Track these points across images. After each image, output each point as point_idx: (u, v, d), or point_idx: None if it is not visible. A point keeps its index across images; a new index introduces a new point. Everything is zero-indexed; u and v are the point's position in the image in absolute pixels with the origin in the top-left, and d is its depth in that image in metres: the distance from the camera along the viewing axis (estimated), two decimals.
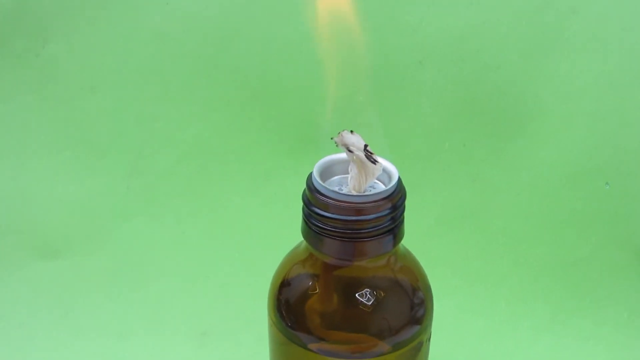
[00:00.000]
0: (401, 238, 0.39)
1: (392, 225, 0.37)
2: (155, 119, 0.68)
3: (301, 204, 0.38)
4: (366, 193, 0.37)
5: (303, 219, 0.38)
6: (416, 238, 0.45)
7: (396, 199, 0.37)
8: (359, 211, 0.36)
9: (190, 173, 0.68)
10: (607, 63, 0.63)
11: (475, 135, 0.65)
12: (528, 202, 0.64)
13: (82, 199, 0.68)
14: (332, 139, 0.37)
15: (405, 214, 0.39)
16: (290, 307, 0.40)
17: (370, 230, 0.36)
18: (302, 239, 0.40)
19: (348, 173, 0.39)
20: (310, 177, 0.38)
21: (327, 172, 0.39)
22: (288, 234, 0.43)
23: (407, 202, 0.38)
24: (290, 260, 0.41)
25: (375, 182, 0.39)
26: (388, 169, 0.39)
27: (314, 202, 0.37)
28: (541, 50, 0.64)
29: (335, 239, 0.37)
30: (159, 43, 0.67)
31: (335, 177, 0.40)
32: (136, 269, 0.65)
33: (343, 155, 0.39)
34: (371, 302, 0.38)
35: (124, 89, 0.68)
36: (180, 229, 0.67)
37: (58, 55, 0.68)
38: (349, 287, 0.39)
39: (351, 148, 0.37)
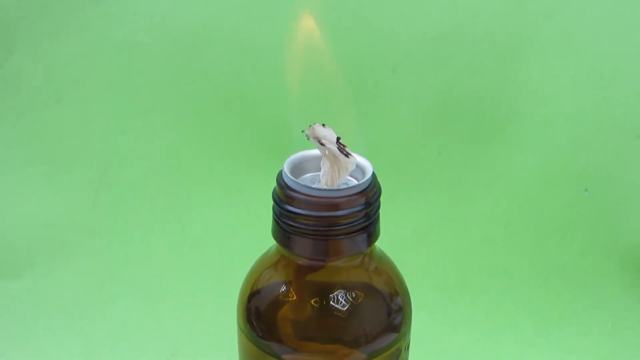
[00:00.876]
0: (376, 237, 0.37)
1: (367, 223, 0.35)
2: (123, 130, 0.66)
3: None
4: (339, 187, 0.35)
5: (274, 218, 0.36)
6: (392, 248, 0.43)
7: (371, 194, 0.35)
8: (331, 206, 0.34)
9: (159, 186, 0.66)
10: (583, 66, 0.62)
11: (451, 142, 0.63)
12: (507, 209, 0.63)
13: (45, 215, 0.65)
14: (302, 131, 0.35)
15: (380, 224, 0.37)
16: (261, 316, 0.38)
17: (344, 227, 0.35)
18: (272, 244, 0.38)
19: (320, 170, 0.37)
20: (280, 173, 0.36)
21: (298, 169, 0.37)
22: (261, 248, 0.41)
23: (381, 212, 0.37)
24: (261, 266, 0.39)
25: (348, 179, 0.37)
26: (362, 164, 0.37)
27: (285, 199, 0.35)
28: (516, 55, 0.63)
29: (307, 237, 0.35)
30: (127, 53, 0.65)
31: (308, 175, 0.38)
32: (102, 288, 0.63)
33: (315, 151, 0.38)
34: (346, 307, 0.36)
35: (90, 100, 0.66)
36: (147, 244, 0.65)
37: (22, 67, 0.66)
38: (323, 292, 0.36)
39: (323, 141, 0.35)
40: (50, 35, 0.66)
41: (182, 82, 0.65)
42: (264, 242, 0.41)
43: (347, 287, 0.36)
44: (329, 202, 0.34)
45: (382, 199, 0.37)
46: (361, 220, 0.35)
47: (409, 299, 0.39)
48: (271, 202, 0.39)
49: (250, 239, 0.62)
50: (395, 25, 0.63)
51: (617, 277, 0.61)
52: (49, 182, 0.66)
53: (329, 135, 0.35)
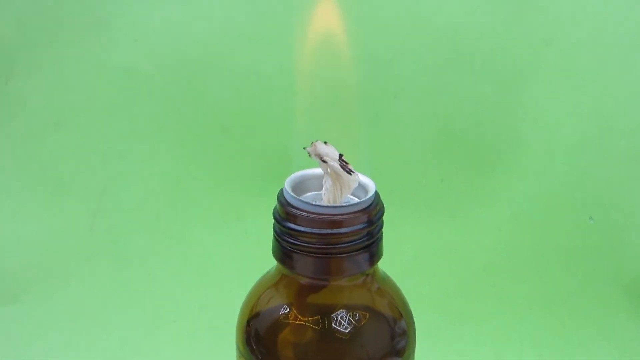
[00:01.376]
0: (379, 257, 0.36)
1: (370, 241, 0.35)
2: (122, 155, 0.65)
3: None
4: (341, 204, 0.34)
5: (274, 237, 0.36)
6: (394, 275, 0.42)
7: (373, 212, 0.35)
8: (333, 224, 0.33)
9: (157, 211, 0.65)
10: (585, 94, 0.62)
11: (453, 169, 0.63)
12: (510, 237, 0.62)
13: (42, 239, 0.65)
14: (304, 148, 0.35)
15: (383, 250, 0.36)
16: (260, 338, 0.37)
17: (346, 245, 0.34)
18: (272, 266, 0.37)
19: (322, 192, 0.36)
20: (281, 191, 0.36)
21: (299, 187, 0.37)
22: (260, 274, 0.40)
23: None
24: (260, 287, 0.38)
25: (350, 198, 0.37)
26: (365, 183, 0.36)
27: (286, 217, 0.34)
28: (518, 83, 0.63)
29: (309, 255, 0.34)
30: (126, 78, 0.65)
31: (309, 194, 0.37)
32: (99, 313, 0.61)
33: (316, 170, 0.37)
34: (349, 329, 0.35)
35: (89, 126, 0.66)
36: (145, 269, 0.64)
37: (22, 92, 0.66)
38: (325, 313, 0.35)
39: (325, 158, 0.35)
40: (50, 61, 0.66)
41: (182, 108, 0.65)
42: (264, 267, 0.40)
43: (350, 309, 0.35)
44: (330, 219, 0.33)
45: (384, 225, 0.37)
46: (364, 239, 0.34)
47: (413, 323, 0.38)
48: (270, 229, 0.38)
49: (249, 265, 0.61)
50: (396, 53, 0.63)
51: (622, 305, 0.60)
52: (47, 206, 0.65)
53: (331, 152, 0.35)
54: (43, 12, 0.66)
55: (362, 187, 0.36)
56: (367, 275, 0.36)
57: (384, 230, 0.36)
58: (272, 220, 0.37)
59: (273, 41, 0.64)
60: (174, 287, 0.63)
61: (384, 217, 0.36)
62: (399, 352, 0.37)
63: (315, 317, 0.35)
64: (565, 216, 0.62)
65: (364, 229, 0.34)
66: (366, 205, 0.34)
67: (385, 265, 0.37)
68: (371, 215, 0.34)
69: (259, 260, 0.55)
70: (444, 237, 0.63)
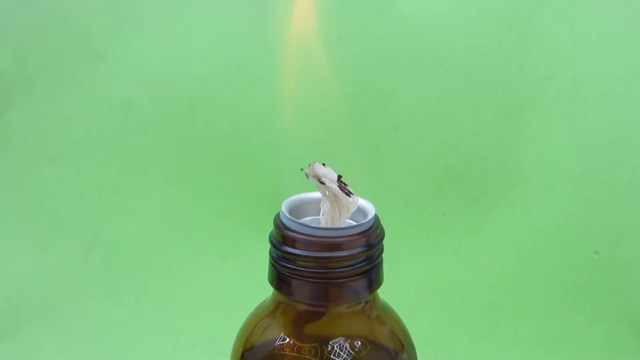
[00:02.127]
0: (380, 283, 0.35)
1: (369, 266, 0.33)
2: (117, 190, 0.64)
3: None
4: (340, 227, 0.33)
5: (270, 263, 0.34)
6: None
7: (373, 235, 0.33)
8: (331, 247, 0.32)
9: (152, 247, 0.63)
10: (588, 127, 0.61)
11: (455, 204, 0.62)
12: (514, 273, 0.60)
13: (34, 275, 0.63)
14: (302, 170, 0.34)
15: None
16: None
17: (345, 270, 0.32)
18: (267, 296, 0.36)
19: (320, 215, 0.35)
20: (278, 214, 0.34)
21: (297, 212, 0.35)
22: None
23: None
24: (256, 316, 0.37)
25: (349, 222, 0.35)
26: (364, 207, 0.35)
27: (282, 240, 0.33)
28: (519, 116, 0.62)
29: (307, 280, 0.32)
30: (123, 112, 0.64)
31: (307, 218, 0.36)
32: (90, 352, 0.59)
33: (314, 194, 0.36)
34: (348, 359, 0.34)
35: (85, 159, 0.65)
36: (139, 307, 0.62)
37: (17, 125, 0.65)
38: (323, 342, 0.34)
39: (323, 179, 0.33)
40: (46, 95, 0.65)
41: (179, 142, 0.64)
42: None
43: (349, 337, 0.34)
44: (328, 242, 0.32)
45: (384, 261, 0.36)
46: (363, 263, 0.33)
47: (415, 354, 0.37)
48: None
49: (245, 302, 0.59)
50: (396, 86, 0.63)
51: (631, 343, 0.58)
52: (40, 242, 0.64)
53: (329, 173, 0.34)
54: (40, 45, 0.65)
55: (361, 211, 0.35)
56: (367, 302, 0.35)
57: (384, 263, 0.35)
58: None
59: (271, 76, 0.64)
60: (168, 325, 0.61)
61: (385, 247, 0.35)
62: None
63: (313, 346, 0.33)
64: (570, 251, 0.60)
65: (363, 253, 0.33)
66: (366, 228, 0.33)
67: (386, 300, 0.36)
68: (371, 238, 0.33)
69: (256, 296, 0.54)
70: (446, 273, 0.61)
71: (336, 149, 0.39)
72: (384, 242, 0.35)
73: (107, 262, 0.63)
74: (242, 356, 0.36)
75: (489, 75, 0.63)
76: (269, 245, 0.36)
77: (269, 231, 0.36)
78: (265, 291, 0.38)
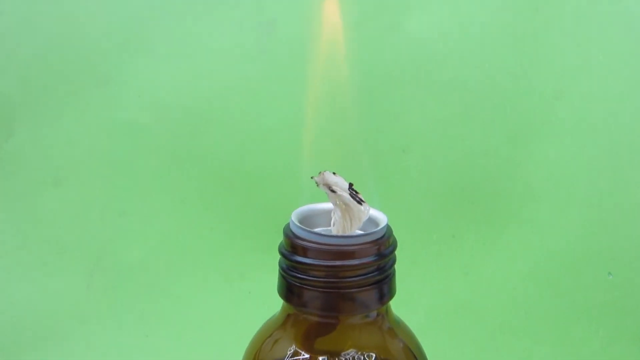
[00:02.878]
0: (392, 295, 0.34)
1: (381, 276, 0.32)
2: (122, 213, 0.63)
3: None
4: (351, 235, 0.32)
5: (280, 274, 0.33)
6: None
7: (385, 245, 0.32)
8: (342, 255, 0.31)
9: (156, 270, 0.62)
10: (597, 147, 0.61)
11: (465, 224, 0.61)
12: (526, 294, 0.59)
13: (36, 299, 0.62)
14: (312, 178, 0.33)
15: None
16: None
17: (357, 279, 0.31)
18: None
19: (331, 225, 0.34)
20: (287, 225, 0.34)
21: (307, 222, 0.35)
22: None
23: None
24: (265, 330, 0.36)
25: (360, 232, 0.34)
26: (375, 217, 0.34)
27: (293, 249, 0.32)
28: (528, 136, 0.61)
29: (318, 290, 0.32)
30: (128, 134, 0.64)
31: (317, 229, 0.35)
32: None
33: (325, 205, 0.35)
34: None
35: (90, 182, 0.64)
36: (143, 331, 0.61)
37: (22, 149, 0.65)
38: (335, 356, 0.33)
39: (334, 188, 0.33)
40: (52, 117, 0.65)
41: (184, 164, 0.64)
42: None
43: (361, 351, 0.33)
44: (339, 250, 0.31)
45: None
46: (375, 273, 0.32)
47: None
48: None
49: (252, 326, 0.58)
50: (405, 107, 0.62)
51: None
52: (43, 265, 0.63)
53: (340, 182, 0.33)
54: (45, 69, 0.65)
55: (373, 222, 0.34)
56: (379, 314, 0.34)
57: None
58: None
59: (277, 96, 0.63)
60: (172, 349, 0.60)
61: (395, 267, 0.34)
62: None
63: (324, 357, 0.32)
64: (583, 272, 0.59)
65: (374, 262, 0.32)
66: (378, 236, 0.32)
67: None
68: (382, 247, 0.32)
69: (263, 319, 0.53)
70: (456, 293, 0.60)
71: (346, 169, 0.38)
72: (396, 263, 0.34)
73: (111, 285, 0.62)
74: None
75: (497, 96, 0.62)
76: (276, 268, 0.35)
77: (276, 254, 0.35)
78: (272, 313, 0.37)
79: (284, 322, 0.34)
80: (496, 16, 0.63)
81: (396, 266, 0.34)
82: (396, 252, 0.34)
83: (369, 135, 0.62)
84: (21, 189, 0.64)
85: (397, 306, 0.37)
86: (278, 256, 0.35)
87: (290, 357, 0.33)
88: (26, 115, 0.65)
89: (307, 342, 0.33)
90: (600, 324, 0.58)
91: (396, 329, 0.35)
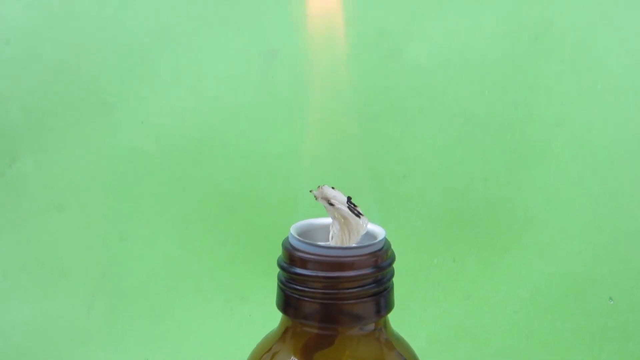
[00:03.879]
0: (391, 308, 0.34)
1: (379, 289, 0.32)
2: (124, 237, 0.64)
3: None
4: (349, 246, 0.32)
5: (278, 287, 0.34)
6: None
7: (383, 257, 0.33)
8: (340, 266, 0.31)
9: (157, 294, 0.62)
10: (597, 174, 0.61)
11: (466, 249, 0.61)
12: (528, 319, 0.59)
13: (37, 322, 0.62)
14: (310, 191, 0.33)
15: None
16: None
17: (355, 290, 0.32)
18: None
19: (329, 239, 0.34)
20: (286, 238, 0.34)
21: (305, 237, 0.35)
22: None
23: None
24: (264, 344, 0.36)
25: None
26: (373, 231, 0.35)
27: (291, 261, 0.32)
28: (529, 162, 0.62)
29: (316, 301, 0.32)
30: (131, 160, 0.65)
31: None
32: None
33: (323, 220, 0.36)
34: None
35: (92, 207, 0.64)
36: (143, 354, 0.60)
37: (25, 174, 0.65)
38: None
39: (332, 201, 0.33)
40: (55, 144, 0.65)
41: (186, 189, 0.64)
42: None
43: None
44: (337, 262, 0.31)
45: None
46: (372, 285, 0.32)
47: None
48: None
49: (252, 348, 0.58)
50: (405, 133, 0.63)
51: None
52: (44, 288, 0.63)
53: (338, 195, 0.33)
54: (49, 95, 0.66)
55: (371, 236, 0.34)
56: (378, 328, 0.34)
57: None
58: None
59: (278, 123, 0.64)
60: None
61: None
62: None
63: None
64: (584, 297, 0.59)
65: (372, 274, 0.32)
66: (376, 248, 0.33)
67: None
68: (380, 260, 0.32)
69: None
70: (457, 318, 0.59)
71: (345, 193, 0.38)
72: (395, 288, 0.35)
73: (112, 308, 0.62)
74: None
75: (497, 123, 0.63)
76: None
77: (276, 277, 0.35)
78: None
79: (283, 335, 0.34)
80: (496, 44, 0.64)
81: (397, 289, 0.34)
82: (396, 275, 0.34)
83: (370, 160, 0.63)
84: (24, 213, 0.65)
85: (399, 330, 0.37)
86: (276, 279, 0.35)
87: None
88: (30, 141, 0.66)
89: (306, 354, 0.33)
90: (602, 349, 0.58)
91: (395, 343, 0.35)
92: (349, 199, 0.33)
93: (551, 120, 0.63)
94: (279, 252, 0.34)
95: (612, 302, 0.58)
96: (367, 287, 0.32)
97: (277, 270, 0.34)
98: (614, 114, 0.62)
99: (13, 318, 0.62)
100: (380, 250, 0.33)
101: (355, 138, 0.62)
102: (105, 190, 0.65)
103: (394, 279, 0.34)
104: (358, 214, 0.33)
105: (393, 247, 0.58)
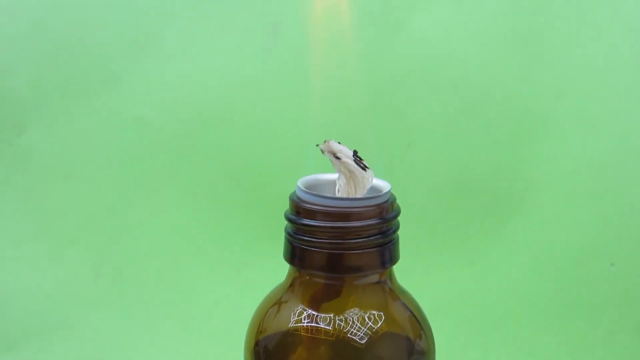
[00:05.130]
0: (396, 260, 0.35)
1: (384, 240, 0.33)
2: (130, 205, 0.64)
3: None
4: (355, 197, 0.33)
5: (286, 240, 0.34)
6: None
7: (388, 209, 0.33)
8: (346, 216, 0.32)
9: (165, 261, 0.63)
10: (599, 143, 0.62)
11: (469, 217, 0.61)
12: (530, 285, 0.60)
13: (45, 289, 0.63)
14: (317, 145, 0.34)
15: None
16: (272, 354, 0.35)
17: (360, 241, 0.32)
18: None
19: (335, 194, 0.35)
20: (293, 192, 0.35)
21: (312, 190, 0.35)
22: None
23: None
24: (271, 296, 0.37)
25: None
26: (379, 185, 0.35)
27: (299, 212, 0.33)
28: (531, 133, 0.62)
29: (323, 251, 0.32)
30: (137, 129, 0.65)
31: None
32: None
33: (329, 175, 0.36)
34: (364, 335, 0.33)
35: (99, 177, 0.65)
36: (150, 320, 0.61)
37: (33, 144, 0.66)
38: (340, 316, 0.33)
39: (339, 155, 0.34)
40: (62, 114, 0.66)
41: (192, 159, 0.65)
42: None
43: (365, 312, 0.33)
44: (344, 212, 0.32)
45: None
46: (378, 236, 0.33)
47: (432, 335, 0.36)
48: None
49: None
50: (409, 103, 0.63)
51: None
52: (52, 256, 0.64)
53: (344, 149, 0.34)
54: (56, 67, 0.67)
55: (376, 190, 0.35)
56: (384, 279, 0.34)
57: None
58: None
59: (283, 94, 0.65)
60: (180, 338, 0.60)
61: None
62: None
63: (330, 320, 0.33)
64: (585, 263, 0.59)
65: (378, 225, 0.33)
66: (381, 200, 0.33)
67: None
68: (386, 211, 0.33)
69: None
70: (461, 284, 0.60)
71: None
72: (400, 255, 0.35)
73: (119, 276, 0.63)
74: (259, 334, 0.35)
75: (500, 94, 0.63)
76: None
77: (281, 244, 0.36)
78: None
79: (290, 286, 0.35)
80: (499, 16, 0.64)
81: (401, 256, 0.35)
82: (400, 242, 0.35)
83: (374, 129, 0.63)
84: (32, 182, 0.65)
85: None
86: (282, 247, 0.36)
87: (297, 317, 0.33)
88: (37, 112, 0.66)
89: (313, 303, 0.34)
90: (604, 315, 0.58)
91: (400, 295, 0.36)
92: (355, 152, 0.34)
93: (553, 90, 0.63)
94: (283, 220, 0.35)
95: (614, 268, 0.59)
96: (372, 237, 0.33)
97: (282, 239, 0.35)
98: (616, 84, 0.63)
99: (22, 285, 0.63)
100: (385, 202, 0.33)
101: (359, 107, 0.62)
102: (112, 160, 0.66)
103: (400, 236, 0.35)
104: (364, 167, 0.34)
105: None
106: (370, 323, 0.33)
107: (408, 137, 0.63)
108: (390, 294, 0.35)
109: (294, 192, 0.35)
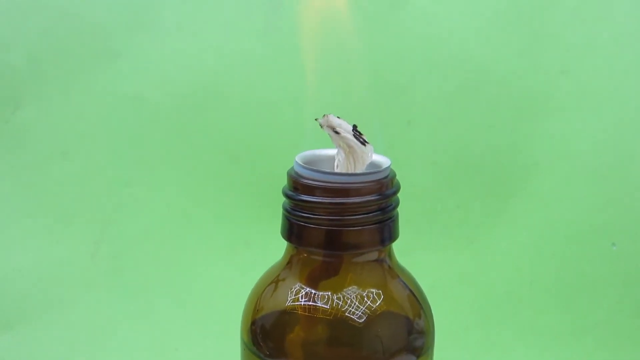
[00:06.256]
0: (395, 237, 0.34)
1: (383, 216, 0.32)
2: (128, 184, 0.64)
3: None
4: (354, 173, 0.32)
5: (283, 217, 0.34)
6: None
7: (388, 185, 0.33)
8: (345, 192, 0.31)
9: (162, 239, 0.63)
10: (602, 121, 0.61)
11: (470, 195, 0.61)
12: (531, 265, 0.59)
13: (41, 267, 0.62)
14: (316, 119, 0.33)
15: None
16: (269, 332, 0.34)
17: (359, 217, 0.32)
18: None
19: (334, 169, 0.34)
20: (291, 167, 0.34)
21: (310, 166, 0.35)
22: None
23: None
24: (269, 274, 0.36)
25: None
26: (379, 161, 0.34)
27: (296, 188, 0.32)
28: (533, 110, 0.61)
29: (321, 228, 0.32)
30: (135, 107, 0.64)
31: None
32: (97, 342, 0.58)
33: (328, 151, 0.35)
34: (363, 319, 0.32)
35: (97, 154, 0.64)
36: (148, 299, 0.61)
37: (30, 120, 0.65)
38: (338, 293, 0.33)
39: (338, 129, 0.33)
40: (59, 91, 0.65)
41: (190, 137, 0.64)
42: None
43: (363, 290, 0.33)
44: (343, 188, 0.31)
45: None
46: (377, 213, 0.32)
47: (431, 313, 0.36)
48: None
49: None
50: (410, 80, 0.62)
51: None
52: (49, 234, 0.63)
53: (343, 124, 0.33)
54: (53, 43, 0.66)
55: (376, 166, 0.34)
56: (382, 256, 0.34)
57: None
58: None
59: (282, 71, 0.64)
60: (177, 317, 0.60)
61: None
62: (415, 351, 0.34)
63: (327, 298, 0.32)
64: (587, 243, 0.59)
65: (377, 201, 0.32)
66: (381, 176, 0.32)
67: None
68: (385, 187, 0.32)
69: None
70: (461, 264, 0.60)
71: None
72: (400, 235, 0.35)
73: (116, 255, 0.63)
74: (256, 312, 0.35)
75: (502, 71, 0.62)
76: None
77: (279, 223, 0.35)
78: None
79: (288, 263, 0.34)
80: None
81: (401, 236, 0.34)
82: (401, 222, 0.34)
83: (374, 107, 0.62)
84: (28, 160, 0.65)
85: None
86: (279, 225, 0.35)
87: (294, 295, 0.33)
88: (34, 88, 0.66)
89: (311, 280, 0.33)
90: (604, 295, 0.58)
91: (399, 273, 0.35)
92: (354, 127, 0.33)
93: (556, 68, 0.62)
94: (281, 198, 0.34)
95: (615, 248, 0.58)
96: (371, 214, 0.32)
97: (280, 216, 0.34)
98: (619, 62, 0.62)
99: (18, 264, 0.63)
100: (385, 178, 0.33)
101: (360, 85, 0.61)
102: (109, 138, 0.65)
103: (400, 215, 0.34)
104: (363, 142, 0.33)
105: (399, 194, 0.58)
106: (368, 302, 0.33)
107: (408, 115, 0.62)
108: (390, 272, 0.34)
109: (292, 167, 0.34)
